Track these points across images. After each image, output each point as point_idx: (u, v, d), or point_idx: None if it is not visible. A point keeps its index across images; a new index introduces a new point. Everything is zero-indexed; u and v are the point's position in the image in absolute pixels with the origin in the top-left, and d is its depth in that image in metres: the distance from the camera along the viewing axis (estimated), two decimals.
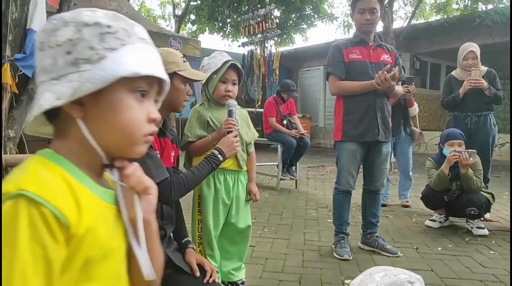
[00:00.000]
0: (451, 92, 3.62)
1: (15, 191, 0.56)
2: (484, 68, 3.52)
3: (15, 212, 0.55)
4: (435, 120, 11.36)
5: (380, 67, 2.60)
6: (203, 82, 1.84)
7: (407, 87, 3.77)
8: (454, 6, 9.42)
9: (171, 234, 1.64)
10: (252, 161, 2.00)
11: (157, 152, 1.48)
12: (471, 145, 3.33)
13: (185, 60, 1.56)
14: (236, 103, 1.79)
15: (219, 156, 1.56)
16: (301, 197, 4.77)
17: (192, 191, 1.83)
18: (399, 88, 2.64)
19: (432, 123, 11.31)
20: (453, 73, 3.73)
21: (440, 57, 10.77)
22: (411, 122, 4.17)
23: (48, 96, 0.62)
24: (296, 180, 5.33)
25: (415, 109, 4.08)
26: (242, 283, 1.98)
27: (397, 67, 2.47)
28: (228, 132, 1.66)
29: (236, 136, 1.64)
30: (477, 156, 3.10)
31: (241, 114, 1.90)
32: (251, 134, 1.96)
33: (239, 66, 1.83)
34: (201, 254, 1.89)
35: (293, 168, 5.26)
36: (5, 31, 3.38)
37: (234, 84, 1.83)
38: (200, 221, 1.89)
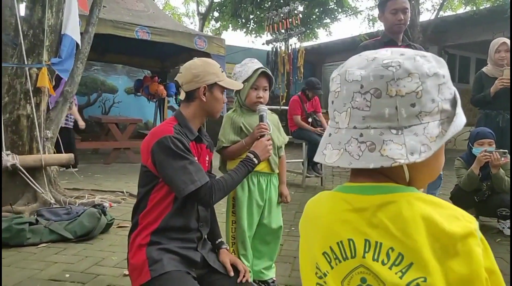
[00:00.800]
0: (481, 89, 3.54)
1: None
2: None
3: None
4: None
5: None
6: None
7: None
8: None
9: (206, 236, 1.71)
10: (283, 164, 2.06)
11: (196, 157, 1.56)
12: (502, 144, 3.26)
13: (222, 70, 1.63)
14: (266, 108, 1.84)
15: (254, 159, 1.62)
16: None
17: None
18: None
19: None
20: (484, 69, 3.65)
21: (470, 50, 10.46)
22: None
23: (398, 148, 0.61)
24: (321, 177, 5.35)
25: None
26: (273, 282, 2.04)
27: None
28: (261, 136, 1.72)
29: (268, 140, 1.70)
30: (508, 155, 3.04)
31: (272, 119, 1.95)
32: (281, 138, 2.01)
33: (270, 73, 1.88)
34: (235, 254, 1.96)
35: (318, 165, 5.28)
36: (42, 37, 3.54)
37: (265, 90, 1.89)
38: (234, 222, 1.96)
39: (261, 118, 1.79)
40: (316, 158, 0.72)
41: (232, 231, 1.98)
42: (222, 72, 1.61)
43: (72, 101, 4.12)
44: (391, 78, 0.63)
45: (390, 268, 0.62)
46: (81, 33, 3.98)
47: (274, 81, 1.92)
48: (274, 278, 2.06)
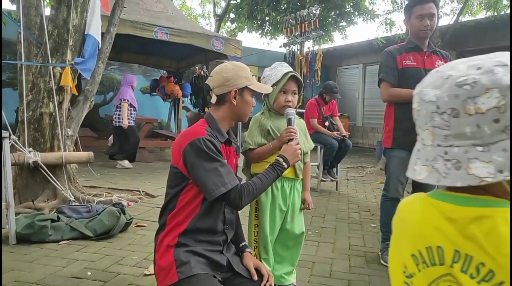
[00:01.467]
0: None
1: None
2: None
3: None
4: None
5: None
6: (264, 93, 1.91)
7: None
8: (505, 2, 8.96)
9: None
10: (307, 170, 2.05)
11: (226, 161, 1.56)
12: None
13: (253, 74, 1.64)
14: (294, 112, 1.84)
15: (284, 163, 1.61)
16: (342, 199, 4.76)
17: None
18: None
19: None
20: None
21: None
22: None
23: (484, 167, 0.59)
24: (336, 182, 5.32)
25: None
26: None
27: None
28: (289, 140, 1.71)
29: (297, 144, 1.69)
30: None
31: (299, 124, 1.94)
32: (308, 144, 2.01)
33: (299, 77, 1.88)
34: (256, 258, 1.96)
35: (334, 169, 5.26)
36: (66, 36, 3.59)
37: (294, 94, 1.88)
38: (256, 225, 1.96)
39: (289, 122, 1.78)
40: (408, 174, 0.71)
41: (254, 235, 1.98)
42: (252, 75, 1.62)
43: (93, 100, 4.16)
44: (467, 96, 0.61)
45: (479, 283, 0.61)
46: (102, 33, 4.04)
47: (302, 85, 1.91)
48: (295, 284, 2.05)
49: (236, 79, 1.57)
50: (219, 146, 1.52)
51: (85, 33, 3.74)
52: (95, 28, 3.79)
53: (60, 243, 2.73)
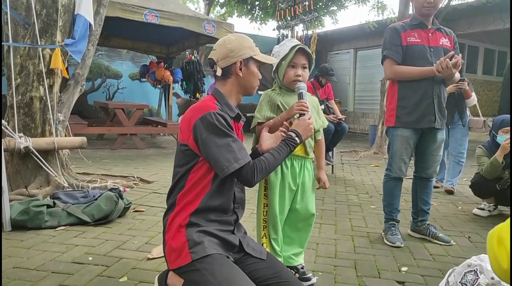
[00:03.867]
0: (510, 82, 3.52)
1: None
2: None
3: None
4: None
5: (439, 52, 2.53)
6: (273, 69, 1.84)
7: (457, 85, 3.68)
8: None
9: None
10: (321, 148, 2.00)
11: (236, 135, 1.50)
12: None
13: (256, 45, 1.57)
14: (305, 86, 1.77)
15: (296, 138, 1.56)
16: (339, 182, 4.76)
17: None
18: (457, 75, 2.55)
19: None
20: None
21: (479, 39, 10.34)
22: (471, 112, 4.14)
23: None
24: (332, 165, 5.31)
25: (473, 99, 4.00)
26: (302, 267, 2.00)
27: (460, 55, 2.38)
28: (301, 115, 1.65)
29: (310, 118, 1.62)
30: None
31: (312, 101, 1.88)
32: (320, 121, 1.95)
33: (308, 50, 1.81)
34: (266, 238, 1.92)
35: (330, 153, 5.23)
36: (55, 16, 3.44)
37: (304, 68, 1.82)
38: (266, 205, 1.90)
39: (300, 96, 1.71)
40: None
41: (263, 214, 1.93)
42: (256, 46, 1.56)
43: (83, 84, 4.03)
44: None
45: None
46: None
47: (313, 59, 1.84)
48: (303, 264, 2.02)
49: (240, 50, 1.50)
50: (230, 121, 1.46)
51: (75, 13, 3.59)
52: (85, 8, 3.64)
53: (57, 229, 2.65)
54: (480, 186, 3.27)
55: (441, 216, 3.32)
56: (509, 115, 3.20)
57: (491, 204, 3.36)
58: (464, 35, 9.52)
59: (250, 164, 1.44)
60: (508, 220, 0.73)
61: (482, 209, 3.38)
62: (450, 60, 2.33)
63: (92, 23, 3.77)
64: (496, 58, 11.35)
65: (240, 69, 1.51)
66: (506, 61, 11.34)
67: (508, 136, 2.99)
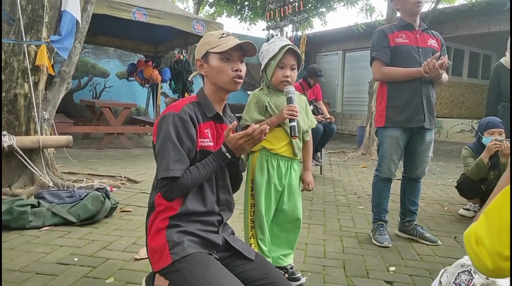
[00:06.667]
0: (498, 81, 3.60)
1: None
2: None
3: None
4: (456, 107, 11.18)
5: (427, 53, 2.55)
6: (262, 68, 1.83)
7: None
8: None
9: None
10: (308, 149, 1.99)
11: (209, 140, 1.47)
12: None
13: (224, 35, 1.48)
14: (294, 89, 1.77)
15: (227, 154, 1.43)
16: (328, 183, 4.77)
17: (245, 175, 1.84)
18: (445, 76, 2.58)
19: (453, 110, 11.13)
20: (501, 60, 3.67)
21: (464, 43, 10.51)
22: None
23: None
24: (320, 166, 5.32)
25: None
26: (291, 268, 1.99)
27: (446, 56, 2.41)
28: (290, 120, 1.65)
29: (241, 138, 1.40)
30: None
31: (300, 101, 1.88)
32: (308, 121, 1.94)
33: (298, 50, 1.80)
34: (253, 238, 1.90)
35: (318, 154, 5.25)
36: (41, 12, 3.38)
37: (292, 69, 1.80)
38: (253, 205, 1.89)
39: (290, 101, 1.71)
40: None
41: (251, 215, 1.92)
42: (220, 38, 1.46)
43: (70, 82, 3.96)
44: None
45: None
46: None
47: (303, 60, 1.83)
48: (292, 264, 2.02)
49: (199, 49, 1.50)
50: (198, 123, 1.44)
51: (62, 9, 3.52)
52: (72, 4, 3.58)
53: (41, 229, 2.59)
54: (466, 187, 3.32)
55: (428, 217, 3.35)
56: (494, 117, 3.26)
57: (476, 205, 3.41)
58: (450, 39, 9.67)
59: (176, 180, 1.37)
60: (480, 219, 0.73)
61: (468, 209, 3.42)
62: (437, 61, 2.36)
63: (79, 19, 3.71)
64: (481, 62, 11.57)
65: (202, 67, 1.50)
66: (490, 64, 11.56)
67: (494, 137, 3.04)
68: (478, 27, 9.06)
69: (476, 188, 3.24)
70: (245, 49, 1.49)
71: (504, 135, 3.09)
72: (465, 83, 11.27)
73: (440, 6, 8.82)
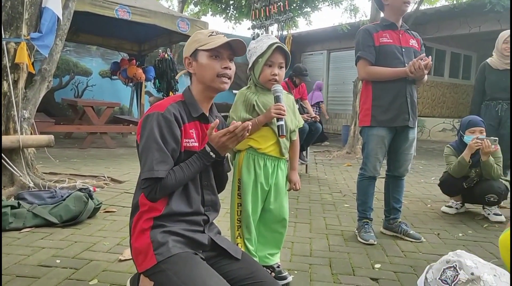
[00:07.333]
0: (483, 80, 3.70)
1: None
2: None
3: None
4: (437, 106, 11.39)
5: (410, 52, 2.59)
6: (249, 66, 1.82)
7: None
8: None
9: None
10: (295, 149, 1.98)
11: (194, 140, 1.46)
12: (500, 132, 3.50)
13: (214, 34, 1.48)
14: (282, 88, 1.76)
15: (211, 153, 1.42)
16: (313, 181, 4.80)
17: (232, 175, 1.83)
18: (425, 76, 2.62)
19: (435, 110, 11.33)
20: (488, 60, 3.75)
21: (446, 43, 10.72)
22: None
23: None
24: (306, 165, 5.35)
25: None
26: (278, 266, 1.99)
27: (430, 57, 2.45)
28: (278, 119, 1.64)
29: (224, 136, 1.39)
30: (498, 144, 3.11)
31: (287, 100, 1.87)
32: (296, 121, 1.94)
33: (286, 49, 1.79)
34: (240, 237, 1.89)
35: (304, 152, 5.27)
36: (21, 9, 3.29)
37: (280, 67, 1.80)
38: (239, 204, 1.88)
39: (278, 99, 1.70)
40: None
41: (237, 214, 1.90)
42: (210, 36, 1.46)
43: (51, 80, 3.87)
44: None
45: None
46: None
47: (290, 58, 1.82)
48: (279, 263, 2.01)
49: (187, 47, 1.49)
50: (182, 123, 1.42)
51: (42, 5, 3.44)
52: (53, 1, 3.50)
53: (22, 231, 2.53)
54: (448, 185, 3.38)
55: (412, 214, 3.40)
56: (475, 116, 3.33)
57: (458, 202, 3.48)
58: (432, 39, 9.86)
59: (160, 181, 1.35)
60: None
61: (450, 206, 3.49)
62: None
63: (61, 16, 3.63)
64: (462, 62, 11.81)
65: (190, 65, 1.48)
66: (471, 64, 11.82)
67: (475, 136, 3.10)
68: (459, 28, 9.24)
69: (458, 186, 3.30)
70: (235, 48, 1.48)
71: (484, 133, 3.16)
72: (447, 83, 11.49)
73: (422, 7, 8.97)
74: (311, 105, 8.93)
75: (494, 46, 3.64)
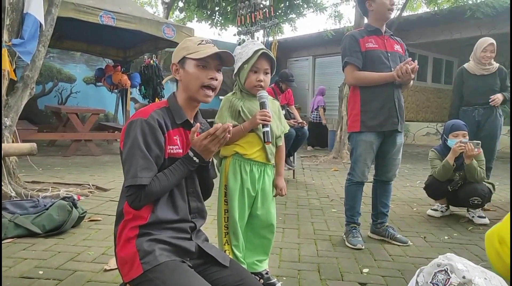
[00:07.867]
0: (461, 85, 3.79)
1: None
2: (496, 65, 3.68)
3: None
4: (421, 111, 11.57)
5: (395, 57, 2.62)
6: (235, 72, 1.81)
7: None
8: None
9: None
10: (280, 154, 1.98)
11: (178, 147, 1.43)
12: (478, 135, 3.54)
13: (203, 43, 1.46)
14: (267, 94, 1.76)
15: (195, 158, 1.40)
16: (301, 186, 4.80)
17: (218, 181, 1.81)
18: (411, 81, 2.66)
19: (419, 114, 11.51)
20: (465, 65, 3.83)
21: (428, 49, 10.93)
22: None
23: None
24: (293, 170, 5.35)
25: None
26: (266, 273, 1.98)
27: (416, 61, 2.48)
28: (264, 125, 1.64)
29: (205, 139, 1.37)
30: (480, 147, 3.17)
31: (273, 106, 1.87)
32: (281, 127, 1.94)
33: (272, 55, 1.80)
34: (228, 244, 1.88)
35: (291, 158, 5.28)
36: (2, 15, 3.23)
37: (266, 73, 1.79)
38: (226, 211, 1.86)
39: (263, 105, 1.70)
40: None
41: (225, 221, 1.89)
42: (199, 45, 1.45)
43: (33, 87, 3.79)
44: None
45: None
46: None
47: (275, 65, 1.83)
48: (268, 270, 2.00)
49: (176, 53, 1.48)
50: (166, 130, 1.40)
51: (24, 11, 3.38)
52: (35, 7, 3.45)
53: (3, 242, 2.46)
54: (434, 188, 3.42)
55: (398, 218, 3.43)
56: (458, 120, 3.38)
57: (443, 205, 3.52)
58: (415, 45, 10.03)
59: (143, 188, 1.33)
60: (504, 220, 0.75)
61: (436, 210, 3.53)
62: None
63: (43, 22, 3.58)
64: (444, 67, 12.06)
65: (177, 71, 1.47)
66: (452, 70, 12.06)
67: (458, 139, 3.15)
68: (441, 34, 9.44)
69: (443, 189, 3.35)
70: (224, 58, 1.47)
71: (467, 137, 3.21)
72: (430, 88, 11.70)
73: (405, 14, 9.14)
74: (314, 110, 9.13)
75: (494, 53, 3.69)
